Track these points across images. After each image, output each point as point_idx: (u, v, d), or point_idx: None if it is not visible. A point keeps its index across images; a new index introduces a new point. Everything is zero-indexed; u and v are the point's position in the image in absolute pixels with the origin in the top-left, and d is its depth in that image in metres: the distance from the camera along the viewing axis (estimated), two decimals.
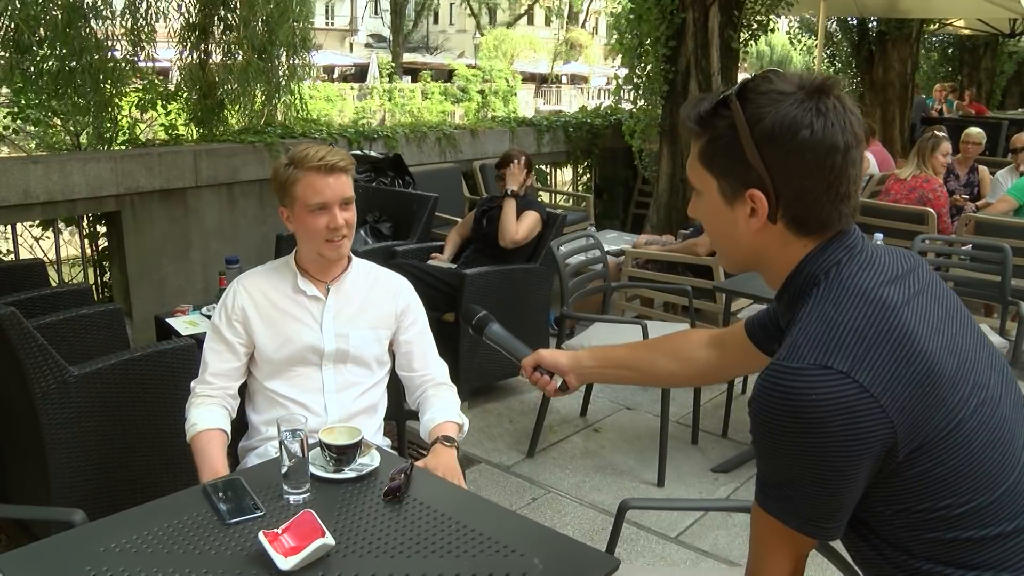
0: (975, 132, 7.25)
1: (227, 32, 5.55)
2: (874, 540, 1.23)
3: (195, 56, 5.58)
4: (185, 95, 5.64)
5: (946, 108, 12.93)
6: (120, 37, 5.18)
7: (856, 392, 1.09)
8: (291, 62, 5.64)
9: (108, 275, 5.00)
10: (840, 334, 1.13)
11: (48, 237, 4.86)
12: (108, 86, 5.11)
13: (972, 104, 13.64)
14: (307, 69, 5.87)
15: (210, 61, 5.58)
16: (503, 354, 1.83)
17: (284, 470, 1.72)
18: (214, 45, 5.59)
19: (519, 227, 4.36)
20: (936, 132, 6.03)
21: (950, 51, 15.92)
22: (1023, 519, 1.16)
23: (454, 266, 4.54)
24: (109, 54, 5.00)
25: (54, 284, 4.30)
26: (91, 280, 5.02)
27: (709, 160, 1.25)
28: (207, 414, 2.16)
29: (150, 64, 5.57)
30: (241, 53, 5.45)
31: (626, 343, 1.86)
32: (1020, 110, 15.08)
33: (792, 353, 1.13)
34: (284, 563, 1.48)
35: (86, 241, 4.92)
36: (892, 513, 1.18)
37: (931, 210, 5.42)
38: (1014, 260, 4.36)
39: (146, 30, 5.27)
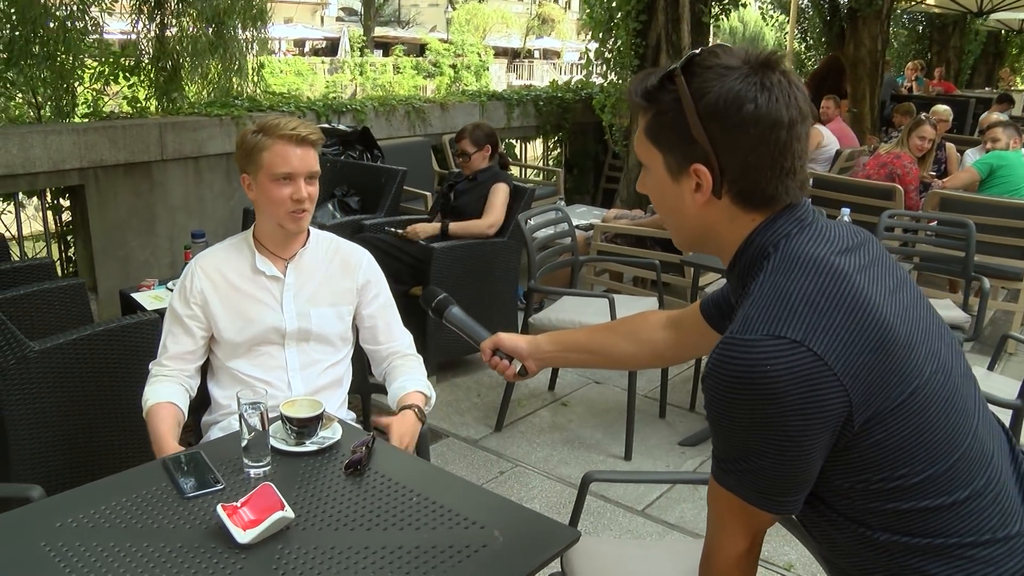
0: (942, 109, 7.33)
1: (181, 3, 5.43)
2: (830, 514, 1.23)
3: (152, 28, 5.46)
4: (147, 68, 5.53)
5: (916, 86, 13.03)
6: (70, 5, 5.04)
7: (811, 361, 1.08)
8: (246, 35, 5.52)
9: (73, 250, 4.92)
10: (792, 303, 1.12)
11: (10, 212, 4.77)
12: (67, 57, 5.00)
13: (941, 82, 13.76)
14: (263, 43, 5.75)
15: (166, 33, 5.46)
16: (463, 337, 1.83)
17: (244, 443, 1.71)
18: (170, 17, 5.46)
19: (488, 217, 4.32)
20: (922, 116, 6.10)
21: (920, 29, 16.02)
22: (977, 484, 1.17)
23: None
24: (67, 23, 4.87)
25: (16, 259, 4.23)
26: (56, 255, 4.94)
27: (655, 135, 1.25)
28: (159, 389, 2.15)
29: (113, 36, 5.46)
30: (195, 25, 5.34)
31: (585, 327, 1.86)
32: (987, 89, 15.22)
33: (744, 325, 1.13)
34: (242, 536, 1.48)
35: (49, 215, 4.84)
36: (849, 486, 1.18)
37: (898, 186, 5.47)
38: (977, 236, 4.42)
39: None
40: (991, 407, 1.32)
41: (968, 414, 1.21)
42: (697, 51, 1.20)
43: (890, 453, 1.14)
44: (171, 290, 3.62)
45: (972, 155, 6.54)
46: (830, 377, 1.09)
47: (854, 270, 1.17)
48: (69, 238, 4.91)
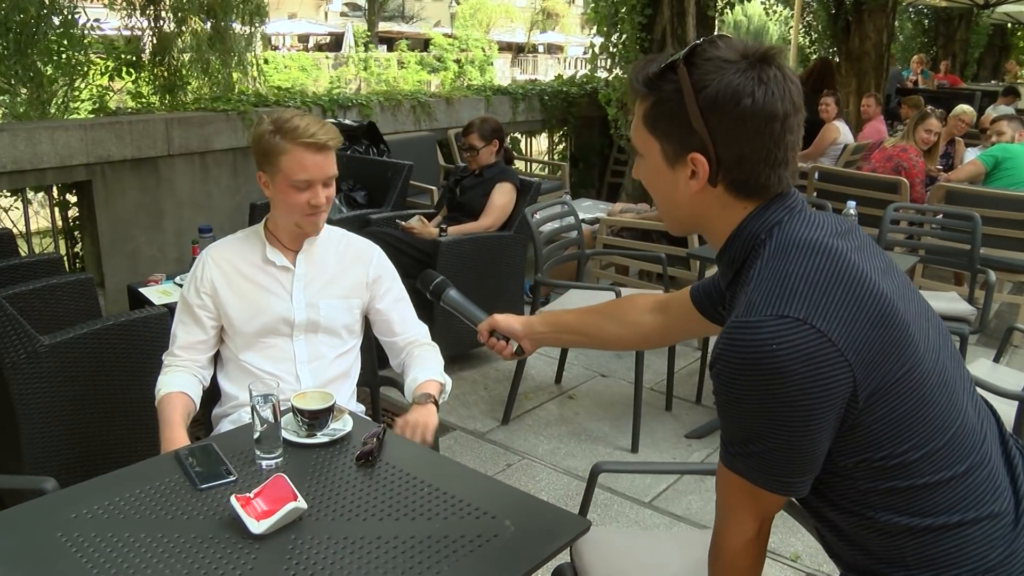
0: (969, 111, 7.30)
1: None
2: (833, 496, 1.26)
3: (147, 22, 5.45)
4: (146, 64, 5.53)
5: (921, 79, 13.00)
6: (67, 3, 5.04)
7: (815, 338, 1.11)
8: (245, 31, 5.53)
9: (80, 246, 4.94)
10: (793, 283, 1.16)
11: (17, 208, 4.79)
12: (72, 53, 5.01)
13: (947, 75, 13.72)
14: (265, 38, 5.77)
15: (163, 28, 5.46)
16: (460, 319, 1.87)
17: (256, 435, 1.73)
18: (164, 11, 5.46)
19: (485, 219, 4.35)
20: (929, 109, 6.09)
21: (926, 22, 15.97)
22: (973, 459, 1.21)
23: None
24: (66, 17, 4.87)
25: (23, 255, 4.24)
26: (63, 251, 4.96)
27: (653, 123, 1.28)
28: (172, 379, 2.16)
29: (108, 32, 5.47)
30: (191, 20, 5.36)
31: (576, 308, 1.89)
32: (993, 82, 15.18)
33: (748, 309, 1.16)
34: (256, 527, 1.49)
35: (56, 211, 4.86)
36: (853, 465, 1.20)
37: (904, 179, 5.46)
38: (983, 229, 4.42)
39: None
40: (992, 396, 1.34)
41: (958, 392, 1.25)
42: (699, 41, 1.23)
43: (892, 428, 1.17)
44: (179, 285, 3.63)
45: (973, 153, 6.56)
46: (834, 353, 1.12)
47: (849, 250, 1.21)
48: (76, 234, 4.93)
